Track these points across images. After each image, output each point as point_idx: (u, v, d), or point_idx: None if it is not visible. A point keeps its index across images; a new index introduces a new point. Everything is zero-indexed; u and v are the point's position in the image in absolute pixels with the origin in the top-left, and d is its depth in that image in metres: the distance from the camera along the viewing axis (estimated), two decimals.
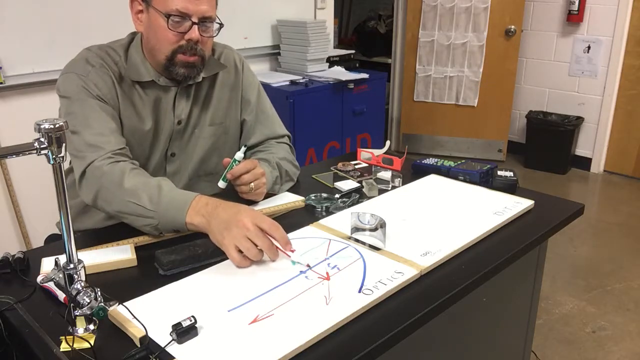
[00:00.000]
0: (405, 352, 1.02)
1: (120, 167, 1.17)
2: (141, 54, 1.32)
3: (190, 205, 1.11)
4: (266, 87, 2.89)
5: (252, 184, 1.28)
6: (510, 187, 1.42)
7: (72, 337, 0.83)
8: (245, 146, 1.34)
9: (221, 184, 1.32)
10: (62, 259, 0.87)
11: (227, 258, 1.07)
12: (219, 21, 1.31)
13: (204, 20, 1.26)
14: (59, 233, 1.34)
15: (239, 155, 1.30)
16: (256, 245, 1.03)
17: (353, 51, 3.56)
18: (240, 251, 1.03)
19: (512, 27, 3.96)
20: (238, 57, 1.51)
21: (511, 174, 1.45)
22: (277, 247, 1.05)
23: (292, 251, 1.06)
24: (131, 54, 1.32)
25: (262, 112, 1.52)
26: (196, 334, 0.84)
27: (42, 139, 0.79)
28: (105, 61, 1.29)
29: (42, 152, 0.80)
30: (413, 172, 1.57)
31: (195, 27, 1.25)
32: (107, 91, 1.26)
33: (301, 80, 3.05)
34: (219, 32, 1.32)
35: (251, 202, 1.32)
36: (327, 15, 3.46)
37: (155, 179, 1.17)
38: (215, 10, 1.31)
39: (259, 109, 1.52)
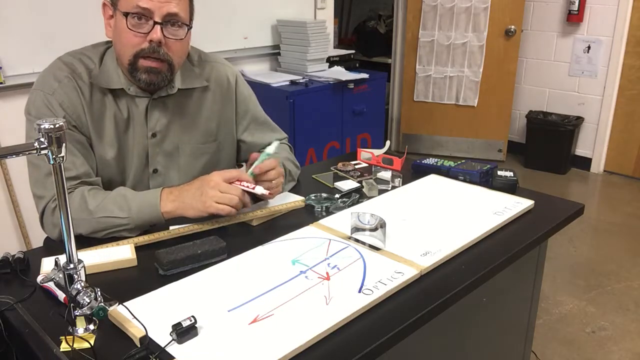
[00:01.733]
0: (405, 352, 1.02)
1: (76, 194, 1.17)
2: (115, 60, 1.26)
3: (160, 198, 1.19)
4: (266, 87, 2.91)
5: (274, 181, 1.27)
6: (510, 187, 1.42)
7: (72, 337, 0.83)
8: (278, 140, 1.32)
9: None
10: (62, 259, 0.87)
11: (226, 258, 1.08)
12: (190, 25, 1.24)
13: (169, 21, 1.19)
14: None
15: (271, 149, 1.28)
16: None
17: (353, 51, 3.56)
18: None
19: (512, 27, 3.96)
20: (231, 71, 1.45)
21: (511, 174, 1.45)
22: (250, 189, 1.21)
23: (254, 186, 1.22)
24: (106, 61, 1.27)
25: (264, 122, 1.52)
26: (196, 334, 0.84)
27: (42, 139, 0.79)
28: (76, 71, 1.23)
29: (42, 152, 0.80)
30: (413, 172, 1.57)
31: (158, 27, 1.17)
32: (73, 109, 1.22)
33: (301, 80, 3.05)
34: (186, 35, 1.23)
35: (256, 200, 1.32)
36: (327, 15, 3.46)
37: (113, 191, 1.21)
38: (188, 12, 1.24)
39: (259, 122, 1.51)
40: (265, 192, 1.22)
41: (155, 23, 1.18)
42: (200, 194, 1.17)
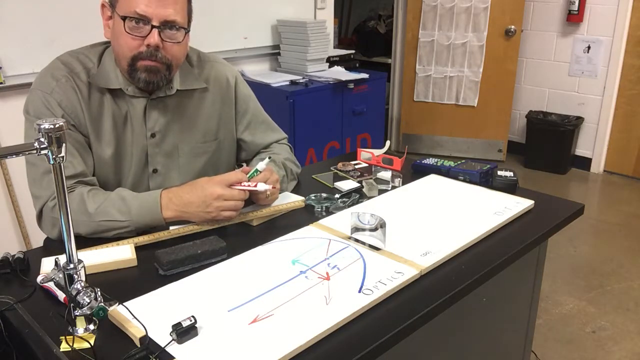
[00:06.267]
0: (405, 352, 1.02)
1: (75, 194, 1.17)
2: (113, 60, 1.27)
3: (160, 204, 1.19)
4: (266, 87, 2.91)
5: (269, 191, 1.27)
6: (510, 187, 1.42)
7: (72, 337, 0.83)
8: (269, 158, 1.31)
9: None
10: (62, 259, 0.87)
11: (226, 258, 1.08)
12: (188, 28, 1.24)
13: (167, 25, 1.19)
14: None
15: (262, 165, 1.27)
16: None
17: (353, 51, 3.56)
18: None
19: (512, 27, 3.96)
20: (230, 71, 1.45)
21: (511, 174, 1.45)
22: (248, 188, 1.21)
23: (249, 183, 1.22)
24: (104, 60, 1.27)
25: (263, 122, 1.52)
26: (196, 334, 0.84)
27: (42, 139, 0.79)
28: (74, 70, 1.24)
29: (42, 152, 0.80)
30: (413, 172, 1.57)
31: (155, 31, 1.18)
32: (72, 108, 1.22)
33: (301, 80, 3.05)
34: (184, 38, 1.24)
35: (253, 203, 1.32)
36: (327, 15, 3.46)
37: (113, 192, 1.21)
38: (186, 17, 1.24)
39: (259, 121, 1.50)
40: (268, 186, 1.22)
41: (153, 27, 1.18)
42: (206, 207, 1.18)
